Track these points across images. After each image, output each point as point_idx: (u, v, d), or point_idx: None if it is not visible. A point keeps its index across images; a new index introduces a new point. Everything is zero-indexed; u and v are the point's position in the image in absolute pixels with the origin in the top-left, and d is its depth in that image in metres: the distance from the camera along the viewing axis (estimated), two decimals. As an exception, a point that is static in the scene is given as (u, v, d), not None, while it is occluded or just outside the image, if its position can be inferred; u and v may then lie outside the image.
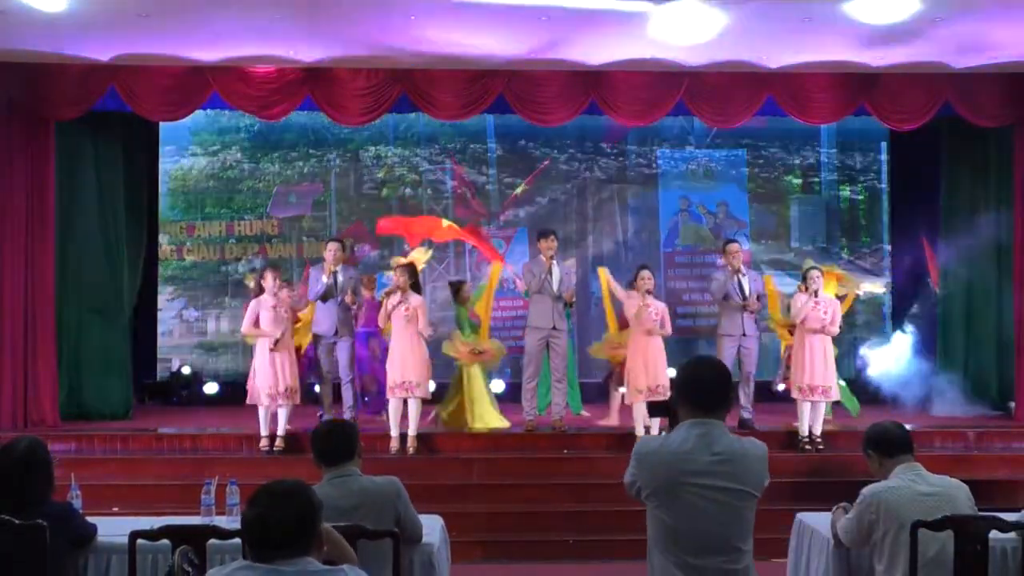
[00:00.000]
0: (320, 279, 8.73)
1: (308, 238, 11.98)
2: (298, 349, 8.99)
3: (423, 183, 12.21)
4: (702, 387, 3.39)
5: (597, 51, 8.96)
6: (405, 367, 8.37)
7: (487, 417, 9.12)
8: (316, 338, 8.98)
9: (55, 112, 9.39)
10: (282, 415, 8.41)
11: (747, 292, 8.88)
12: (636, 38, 8.49)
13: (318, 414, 9.09)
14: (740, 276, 8.90)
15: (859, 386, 11.23)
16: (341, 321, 8.78)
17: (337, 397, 9.03)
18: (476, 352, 9.09)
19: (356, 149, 12.15)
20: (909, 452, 4.24)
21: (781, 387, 9.48)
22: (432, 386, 9.82)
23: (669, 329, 8.70)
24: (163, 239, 11.87)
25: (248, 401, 8.44)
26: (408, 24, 8.22)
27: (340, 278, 8.76)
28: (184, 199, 12.02)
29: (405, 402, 8.39)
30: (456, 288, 9.61)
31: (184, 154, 11.99)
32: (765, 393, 10.07)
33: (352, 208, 12.15)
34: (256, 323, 8.37)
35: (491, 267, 10.00)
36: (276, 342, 8.28)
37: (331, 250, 8.78)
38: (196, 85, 9.29)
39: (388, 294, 8.47)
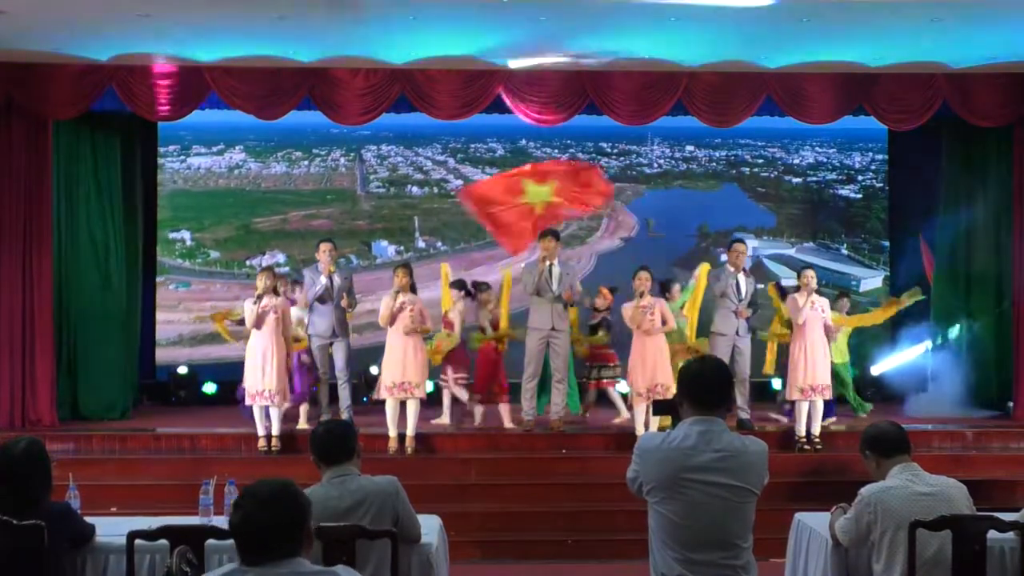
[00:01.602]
0: (317, 280, 8.72)
1: (312, 237, 12.00)
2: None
3: (429, 182, 12.32)
4: (704, 385, 3.44)
5: (595, 51, 8.99)
6: (405, 368, 8.36)
7: None
8: (312, 339, 8.98)
9: (53, 112, 9.38)
10: (274, 415, 8.41)
11: (743, 293, 8.87)
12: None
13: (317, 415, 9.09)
14: (740, 277, 8.89)
15: (860, 385, 11.27)
16: (338, 322, 8.77)
17: (333, 397, 9.02)
18: (690, 350, 8.98)
19: (358, 148, 12.25)
20: (906, 452, 4.24)
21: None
22: (430, 386, 9.85)
23: (672, 323, 8.68)
24: (163, 239, 11.89)
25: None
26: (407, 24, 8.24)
27: (336, 279, 8.75)
28: (187, 199, 12.06)
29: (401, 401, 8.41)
30: (665, 287, 9.48)
31: (188, 153, 12.06)
32: (760, 394, 10.09)
33: (357, 207, 12.24)
34: (256, 324, 8.38)
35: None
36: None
37: (326, 251, 8.76)
38: (195, 85, 9.29)
39: (395, 295, 8.45)
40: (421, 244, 12.10)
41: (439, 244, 12.15)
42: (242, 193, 12.12)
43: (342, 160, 12.26)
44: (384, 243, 12.12)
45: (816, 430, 8.57)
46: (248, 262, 11.90)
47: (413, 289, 8.66)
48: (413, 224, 12.06)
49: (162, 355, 11.68)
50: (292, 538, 2.55)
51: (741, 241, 9.22)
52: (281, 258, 11.77)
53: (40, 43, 8.67)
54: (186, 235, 11.98)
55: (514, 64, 9.30)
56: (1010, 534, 4.25)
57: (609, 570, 7.17)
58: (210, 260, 11.97)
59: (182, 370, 11.47)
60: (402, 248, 12.06)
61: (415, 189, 12.28)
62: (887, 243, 12.23)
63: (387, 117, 10.01)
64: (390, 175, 12.31)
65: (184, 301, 11.79)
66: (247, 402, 8.49)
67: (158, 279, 11.77)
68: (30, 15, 7.94)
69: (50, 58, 9.00)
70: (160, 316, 11.71)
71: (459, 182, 12.29)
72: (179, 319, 11.73)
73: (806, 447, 8.52)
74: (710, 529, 3.31)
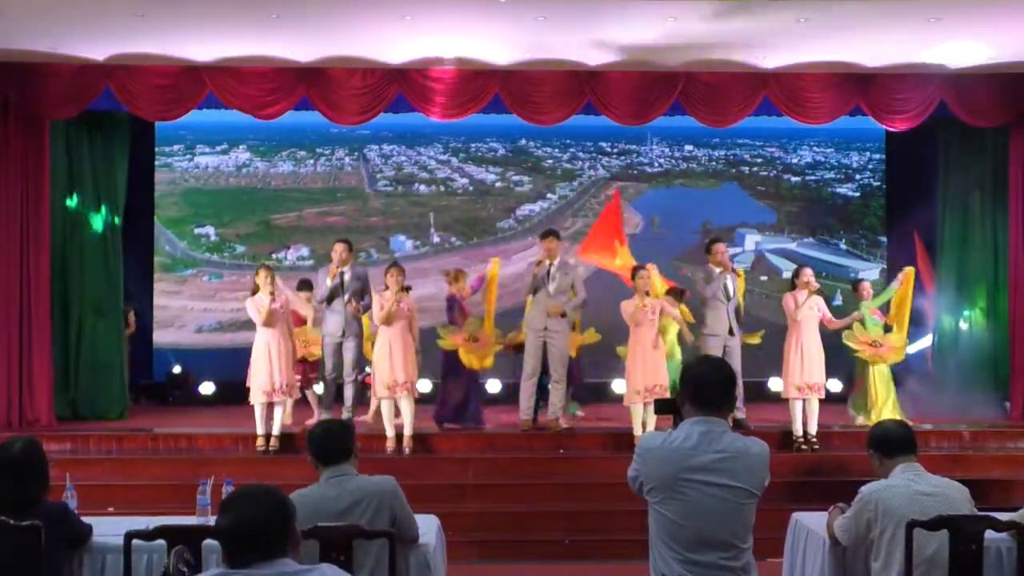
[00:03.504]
0: (325, 281, 8.72)
1: (329, 233, 12.10)
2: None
3: (436, 180, 12.52)
4: (706, 386, 3.43)
5: (593, 51, 8.99)
6: (404, 367, 8.33)
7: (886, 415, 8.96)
8: (324, 337, 8.97)
9: (50, 111, 9.38)
10: (278, 413, 8.40)
11: (731, 292, 8.85)
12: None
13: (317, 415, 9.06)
14: (728, 277, 8.85)
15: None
16: (348, 321, 8.76)
17: (338, 397, 9.00)
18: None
19: (360, 147, 12.44)
20: (910, 452, 4.22)
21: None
22: (428, 385, 9.84)
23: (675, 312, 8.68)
24: (189, 234, 12.19)
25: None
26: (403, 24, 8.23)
27: (347, 279, 8.74)
28: (201, 196, 12.29)
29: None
30: (855, 286, 9.47)
31: (194, 153, 12.25)
32: (757, 393, 10.09)
33: (368, 204, 12.43)
34: (268, 322, 8.38)
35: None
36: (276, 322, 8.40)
37: (338, 251, 8.77)
38: (192, 85, 9.28)
39: (396, 294, 8.41)
40: (436, 239, 12.32)
41: (453, 239, 12.41)
42: (254, 191, 12.40)
43: (347, 159, 12.52)
44: (402, 238, 12.39)
45: (812, 429, 8.56)
46: (273, 255, 12.17)
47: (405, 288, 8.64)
48: (428, 220, 12.31)
49: (199, 340, 11.99)
50: (281, 538, 2.60)
51: (719, 241, 9.17)
52: (305, 251, 12.16)
53: (37, 43, 8.67)
54: (210, 230, 12.26)
55: (511, 64, 9.30)
56: (1007, 534, 4.24)
57: (606, 570, 7.16)
58: (237, 254, 12.26)
59: (176, 369, 11.51)
60: (419, 243, 12.33)
61: (423, 188, 12.51)
62: (884, 239, 12.42)
63: (386, 117, 10.05)
64: (396, 174, 12.54)
65: (219, 291, 12.20)
66: (263, 399, 8.44)
67: (190, 272, 12.12)
68: (27, 15, 7.92)
69: (47, 58, 8.99)
70: (199, 305, 12.10)
71: (464, 180, 12.52)
72: (217, 308, 12.15)
73: (803, 447, 8.51)
74: (710, 530, 3.30)
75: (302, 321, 9.43)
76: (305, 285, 9.57)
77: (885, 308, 9.39)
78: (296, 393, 8.57)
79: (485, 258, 11.88)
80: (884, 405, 9.00)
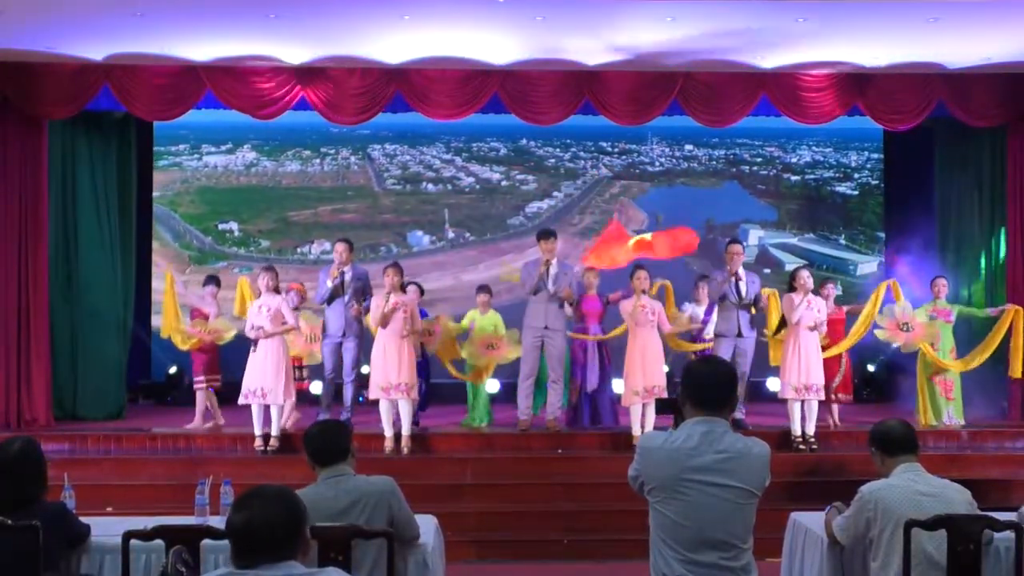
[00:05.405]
0: (326, 283, 8.71)
1: (348, 229, 12.14)
2: None
3: (442, 179, 12.61)
4: (707, 386, 3.44)
5: (592, 51, 9.00)
6: (401, 368, 8.32)
7: (932, 413, 9.19)
8: (324, 337, 8.97)
9: (48, 111, 9.38)
10: (274, 414, 8.38)
11: (743, 294, 8.85)
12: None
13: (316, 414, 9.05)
14: (738, 278, 8.86)
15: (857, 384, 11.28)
16: (348, 322, 8.75)
17: (337, 397, 9.00)
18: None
19: (363, 146, 12.53)
20: (911, 452, 4.21)
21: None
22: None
23: (668, 327, 8.69)
24: (213, 230, 12.29)
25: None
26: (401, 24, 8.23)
27: (347, 279, 8.74)
28: (215, 195, 12.36)
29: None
30: (932, 282, 9.51)
31: (200, 152, 12.33)
32: (757, 393, 10.09)
33: (380, 202, 12.51)
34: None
35: None
36: (256, 343, 8.31)
37: (339, 251, 8.77)
38: (190, 84, 9.29)
39: (386, 297, 8.40)
40: (451, 235, 12.47)
41: (467, 235, 12.53)
42: (267, 189, 12.52)
43: (352, 159, 12.62)
44: (419, 233, 12.52)
45: (811, 430, 8.55)
46: (298, 250, 12.33)
47: (403, 288, 8.64)
48: (443, 215, 12.42)
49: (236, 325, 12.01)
50: (292, 539, 2.58)
51: (736, 242, 9.21)
52: (327, 246, 12.17)
53: (36, 43, 8.66)
54: (234, 226, 12.39)
55: (511, 64, 9.29)
56: (1006, 533, 4.24)
57: (606, 570, 7.15)
58: (262, 248, 12.40)
59: (172, 369, 11.50)
60: (434, 238, 12.49)
61: (430, 186, 12.61)
62: (883, 234, 12.54)
63: (385, 116, 10.06)
64: (403, 173, 12.66)
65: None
66: (241, 400, 8.44)
67: (222, 264, 12.16)
68: (26, 15, 7.92)
69: (46, 58, 8.99)
70: (231, 295, 11.99)
71: (470, 179, 12.61)
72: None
73: (801, 447, 8.51)
74: (710, 530, 3.31)
75: (204, 315, 9.31)
76: (212, 280, 9.64)
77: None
78: (279, 399, 8.43)
79: (500, 253, 12.13)
80: (926, 407, 9.15)
